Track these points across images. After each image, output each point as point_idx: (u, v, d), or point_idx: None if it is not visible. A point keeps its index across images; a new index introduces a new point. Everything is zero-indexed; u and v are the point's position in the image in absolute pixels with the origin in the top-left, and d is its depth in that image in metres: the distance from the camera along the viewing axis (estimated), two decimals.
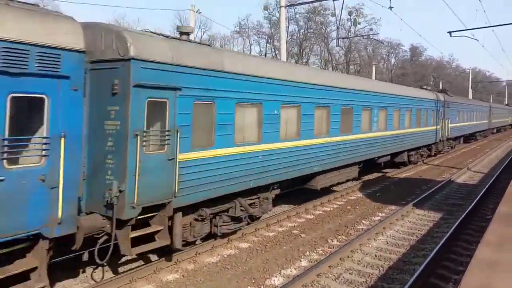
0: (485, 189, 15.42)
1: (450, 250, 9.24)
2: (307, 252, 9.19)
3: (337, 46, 42.67)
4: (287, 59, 23.14)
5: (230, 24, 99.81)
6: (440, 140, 25.01)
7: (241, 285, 7.42)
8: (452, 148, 29.70)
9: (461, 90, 68.74)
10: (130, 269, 7.84)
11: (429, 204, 13.79)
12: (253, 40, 64.97)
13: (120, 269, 8.03)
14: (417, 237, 10.36)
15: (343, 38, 50.56)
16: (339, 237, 10.34)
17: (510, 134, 56.81)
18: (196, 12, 20.98)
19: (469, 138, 37.62)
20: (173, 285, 7.43)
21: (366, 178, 18.31)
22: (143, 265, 8.05)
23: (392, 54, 78.05)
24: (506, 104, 76.88)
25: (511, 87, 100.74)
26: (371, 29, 57.80)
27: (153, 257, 8.67)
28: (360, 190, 15.93)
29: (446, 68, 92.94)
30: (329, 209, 13.17)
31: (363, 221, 11.78)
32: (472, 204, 12.83)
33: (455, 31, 23.76)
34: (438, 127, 24.24)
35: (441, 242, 9.22)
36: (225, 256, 8.87)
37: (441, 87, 45.50)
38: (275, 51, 59.14)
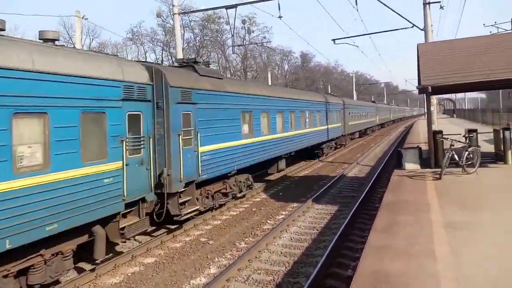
0: (372, 180, 17.01)
1: (347, 239, 9.97)
2: (216, 259, 9.14)
3: (233, 53, 43.58)
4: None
5: (122, 31, 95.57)
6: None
7: None
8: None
9: (346, 92, 75.18)
10: None
11: (326, 199, 14.76)
12: (148, 47, 63.13)
13: None
14: (318, 230, 10.99)
15: (238, 46, 51.73)
16: (247, 239, 10.49)
17: (390, 129, 63.71)
18: (82, 18, 19.65)
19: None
20: None
21: (268, 178, 18.93)
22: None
23: (285, 61, 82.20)
24: (387, 104, 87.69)
25: (388, 88, 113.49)
26: (264, 37, 60.14)
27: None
28: (264, 192, 16.41)
29: (333, 73, 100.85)
30: (235, 213, 13.30)
31: (269, 221, 12.13)
32: (362, 195, 14.05)
33: (338, 39, 25.96)
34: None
35: (338, 233, 9.92)
36: (129, 274, 8.39)
37: (329, 91, 50.04)
38: (171, 58, 58.19)
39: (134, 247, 9.88)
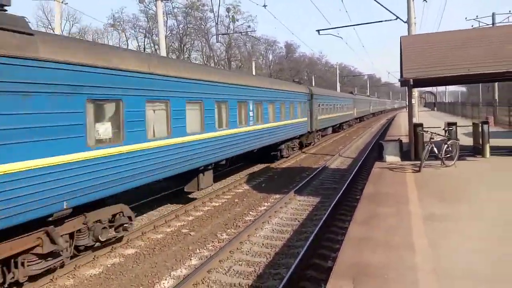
0: (354, 172, 17.19)
1: (328, 230, 10.06)
2: (197, 250, 9.11)
3: (217, 42, 43.05)
4: (167, 54, 22.51)
5: (103, 17, 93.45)
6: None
7: None
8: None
9: (330, 84, 75.54)
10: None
11: (308, 190, 14.85)
12: (130, 34, 61.98)
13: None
14: (299, 221, 11.05)
15: (222, 34, 51.25)
16: (228, 230, 10.48)
17: (371, 122, 64.47)
18: (62, 2, 19.08)
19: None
20: None
21: (251, 170, 18.93)
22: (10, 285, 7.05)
23: (269, 51, 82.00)
24: (368, 95, 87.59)
25: (371, 80, 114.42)
26: (249, 26, 59.78)
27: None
28: (246, 183, 16.40)
29: (317, 64, 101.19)
30: (217, 204, 13.26)
31: (251, 212, 12.14)
32: (344, 187, 14.19)
33: (322, 29, 25.95)
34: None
35: (319, 224, 10.00)
36: (109, 265, 8.29)
37: (313, 82, 49.74)
38: (154, 46, 57.28)
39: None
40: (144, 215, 11.91)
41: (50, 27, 52.63)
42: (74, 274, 7.82)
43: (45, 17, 56.65)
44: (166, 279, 7.62)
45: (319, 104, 28.74)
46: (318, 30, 25.62)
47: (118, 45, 52.84)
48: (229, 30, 57.05)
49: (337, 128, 40.57)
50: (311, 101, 26.59)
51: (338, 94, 42.80)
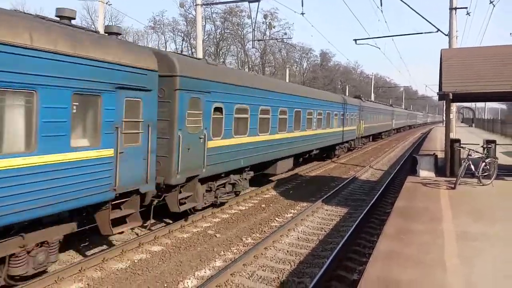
0: (384, 185, 16.80)
1: (354, 242, 9.86)
2: (222, 252, 9.14)
3: (252, 47, 43.44)
4: (203, 57, 22.95)
5: (144, 19, 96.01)
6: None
7: None
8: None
9: (364, 94, 74.40)
10: (28, 282, 7.06)
11: (336, 200, 14.63)
12: (169, 37, 63.44)
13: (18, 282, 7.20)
14: (326, 231, 10.90)
15: (258, 40, 51.65)
16: (254, 235, 10.46)
17: (406, 134, 62.94)
18: (106, 3, 19.79)
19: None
20: None
21: (278, 176, 18.86)
22: (43, 274, 7.31)
23: (304, 58, 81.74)
24: (405, 108, 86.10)
25: (407, 93, 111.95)
26: (285, 33, 59.85)
27: (54, 266, 7.95)
28: (274, 188, 16.35)
29: (352, 74, 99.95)
30: (244, 208, 13.29)
31: (277, 219, 12.08)
32: (374, 199, 13.88)
33: (360, 39, 25.66)
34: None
35: (346, 236, 9.81)
36: (136, 261, 8.45)
37: (347, 92, 49.61)
38: (191, 49, 58.35)
39: (141, 234, 9.94)
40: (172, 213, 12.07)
41: (93, 26, 54.64)
42: (101, 267, 8.02)
43: (89, 17, 58.85)
44: (190, 279, 7.68)
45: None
46: (355, 40, 25.33)
47: (157, 47, 54.29)
48: (265, 37, 57.42)
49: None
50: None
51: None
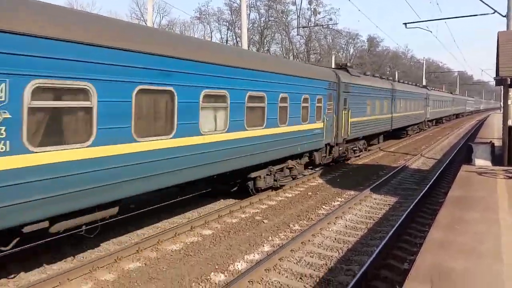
0: (437, 174, 16.24)
1: (405, 232, 9.69)
2: (270, 237, 9.34)
3: (297, 35, 43.00)
4: (248, 47, 23.07)
5: (190, 10, 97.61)
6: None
7: (205, 271, 7.45)
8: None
9: (415, 80, 71.39)
10: (90, 259, 7.65)
11: (385, 189, 14.36)
12: (214, 27, 64.18)
13: (80, 259, 7.82)
14: (374, 220, 10.78)
15: (303, 27, 51.02)
16: (301, 222, 10.57)
17: (465, 120, 60.10)
18: None
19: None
20: (135, 273, 7.34)
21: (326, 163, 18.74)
22: (103, 255, 7.87)
23: (350, 44, 79.74)
24: (450, 92, 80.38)
25: (462, 78, 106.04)
26: (330, 19, 58.71)
27: (114, 247, 8.51)
28: (320, 177, 16.32)
29: (402, 58, 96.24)
30: (291, 195, 13.41)
31: (324, 206, 12.09)
32: (426, 189, 13.49)
33: (410, 23, 24.67)
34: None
35: (396, 225, 9.66)
36: (188, 243, 8.85)
37: (397, 77, 47.65)
38: (236, 38, 58.73)
39: (193, 218, 10.36)
40: (221, 200, 12.44)
41: (143, 19, 56.38)
42: (157, 248, 8.48)
43: (138, 10, 60.75)
44: (239, 262, 7.95)
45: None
46: (405, 23, 24.38)
47: (203, 37, 55.11)
48: (310, 23, 56.57)
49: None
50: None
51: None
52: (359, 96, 19.35)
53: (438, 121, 48.53)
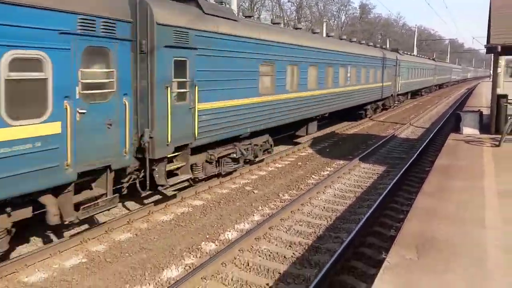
0: (425, 143, 16.42)
1: (392, 200, 9.88)
2: (260, 207, 9.45)
3: (288, 1, 42.02)
4: (238, 13, 22.50)
5: None
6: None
7: (195, 241, 7.55)
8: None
9: (406, 48, 70.92)
10: (80, 231, 7.69)
11: (374, 158, 14.52)
12: None
13: (71, 232, 7.86)
14: (363, 189, 10.95)
15: None
16: (290, 191, 10.69)
17: (453, 89, 60.20)
18: None
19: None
20: (126, 244, 7.42)
21: (315, 134, 18.81)
22: (93, 226, 7.92)
23: (342, 11, 78.32)
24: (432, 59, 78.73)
25: (453, 46, 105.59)
26: None
27: (104, 218, 8.55)
28: (310, 147, 16.40)
29: (393, 26, 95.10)
30: (281, 165, 13.49)
31: (313, 176, 12.21)
32: (413, 158, 13.66)
33: None
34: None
35: (384, 193, 9.82)
36: (179, 214, 8.92)
37: (387, 45, 46.59)
38: (225, 4, 57.15)
39: (184, 190, 10.39)
40: None
41: None
42: (148, 219, 8.54)
43: None
44: (230, 231, 8.06)
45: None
46: None
47: None
48: None
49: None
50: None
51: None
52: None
53: (415, 93, 39.94)
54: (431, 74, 45.98)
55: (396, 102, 30.53)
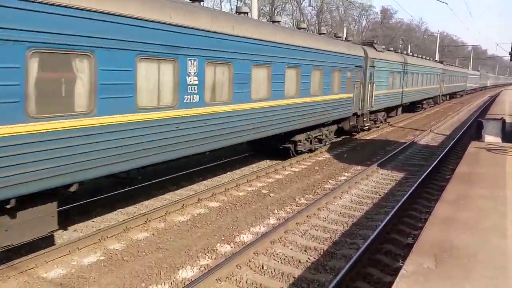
0: (446, 150, 16.11)
1: (410, 207, 9.72)
2: (276, 211, 9.44)
3: (309, 5, 41.98)
4: (258, 17, 22.56)
5: None
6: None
7: (211, 242, 7.59)
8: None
9: (428, 53, 69.83)
10: (99, 229, 7.82)
11: (392, 165, 14.33)
12: None
13: (90, 229, 8.01)
14: (380, 195, 10.81)
15: None
16: (307, 196, 10.64)
17: (478, 95, 58.95)
18: None
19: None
20: (143, 243, 7.51)
21: (333, 139, 18.69)
22: (112, 224, 8.04)
23: (363, 16, 77.80)
24: (478, 70, 73.97)
25: (475, 52, 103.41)
26: None
27: (122, 217, 8.68)
28: (327, 151, 16.30)
29: (415, 32, 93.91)
30: (297, 169, 13.44)
31: (330, 181, 12.13)
32: (433, 165, 13.42)
33: None
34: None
35: (402, 200, 9.68)
36: (195, 215, 8.99)
37: (409, 50, 44.89)
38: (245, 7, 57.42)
39: (200, 190, 10.48)
40: (228, 173, 12.54)
41: None
42: (165, 219, 8.63)
43: None
44: (245, 234, 8.07)
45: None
46: None
47: (213, 6, 54.07)
48: None
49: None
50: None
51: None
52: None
53: (416, 105, 32.36)
54: (436, 81, 36.66)
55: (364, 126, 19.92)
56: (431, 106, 37.37)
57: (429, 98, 35.31)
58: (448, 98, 46.71)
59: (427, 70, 32.49)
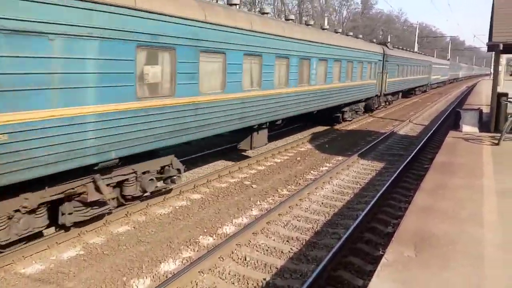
0: (424, 140, 16.41)
1: (390, 197, 9.88)
2: (258, 202, 9.45)
3: None
4: (239, 6, 22.33)
5: None
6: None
7: (193, 235, 7.55)
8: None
9: (407, 45, 70.68)
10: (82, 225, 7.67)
11: (373, 155, 14.52)
12: None
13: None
14: (361, 185, 10.95)
15: None
16: (289, 187, 10.69)
17: (455, 85, 60.12)
18: None
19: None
20: (123, 236, 7.42)
21: (315, 130, 18.80)
22: (91, 218, 7.89)
23: (344, 6, 77.97)
24: (448, 59, 76.36)
25: (453, 43, 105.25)
26: None
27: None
28: (309, 142, 16.38)
29: (395, 22, 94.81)
30: (279, 160, 13.48)
31: (312, 172, 12.21)
32: (412, 155, 13.66)
33: None
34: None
35: (382, 190, 9.83)
36: (177, 207, 8.92)
37: (389, 41, 44.78)
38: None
39: (182, 183, 10.39)
40: (210, 164, 12.47)
41: None
42: (146, 212, 8.54)
43: None
44: (228, 225, 8.06)
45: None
46: None
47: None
48: None
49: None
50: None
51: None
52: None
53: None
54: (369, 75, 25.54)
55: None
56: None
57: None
58: (411, 94, 38.53)
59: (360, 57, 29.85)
